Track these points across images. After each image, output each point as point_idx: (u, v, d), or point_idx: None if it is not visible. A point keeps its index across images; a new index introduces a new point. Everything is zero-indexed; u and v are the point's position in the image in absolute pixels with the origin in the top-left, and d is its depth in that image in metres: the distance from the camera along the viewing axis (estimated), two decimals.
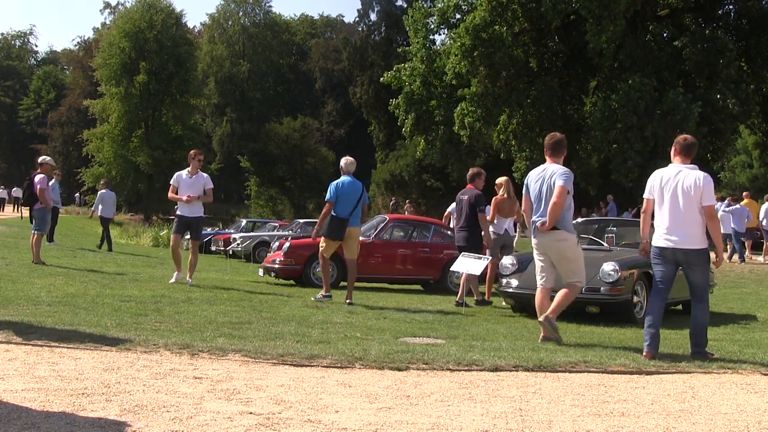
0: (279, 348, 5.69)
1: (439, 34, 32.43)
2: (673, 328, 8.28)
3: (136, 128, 47.40)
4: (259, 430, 3.61)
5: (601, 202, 27.20)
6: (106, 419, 3.66)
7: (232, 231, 26.37)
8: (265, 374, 4.94)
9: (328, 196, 9.72)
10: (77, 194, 55.02)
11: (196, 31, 71.66)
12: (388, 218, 14.53)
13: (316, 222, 12.27)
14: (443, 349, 6.09)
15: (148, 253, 21.39)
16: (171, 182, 10.89)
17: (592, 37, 23.91)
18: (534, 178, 7.01)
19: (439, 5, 30.14)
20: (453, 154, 31.37)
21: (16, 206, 41.50)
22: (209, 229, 28.44)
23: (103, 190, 20.04)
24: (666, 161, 6.92)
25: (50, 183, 14.14)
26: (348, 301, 9.60)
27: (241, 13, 71.15)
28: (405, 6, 45.80)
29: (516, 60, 26.95)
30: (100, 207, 19.53)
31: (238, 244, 22.08)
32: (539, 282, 7.01)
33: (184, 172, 10.87)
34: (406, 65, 30.53)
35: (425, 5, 33.63)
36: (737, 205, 19.12)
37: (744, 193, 21.88)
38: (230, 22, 70.99)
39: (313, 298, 9.82)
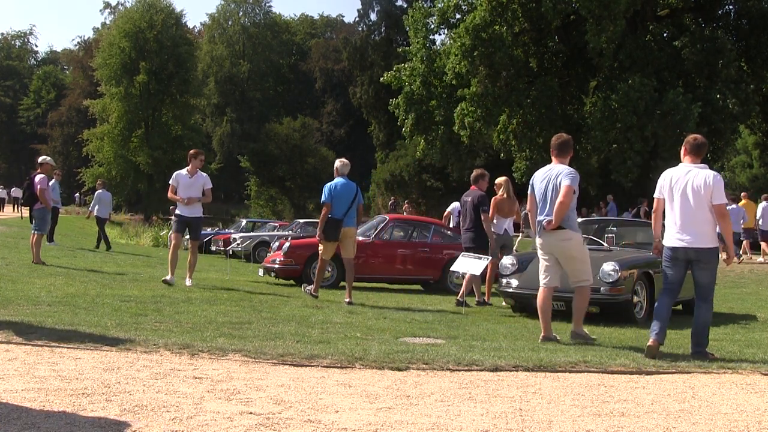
0: (279, 348, 5.69)
1: (439, 34, 32.48)
2: (673, 328, 8.26)
3: (136, 128, 47.40)
4: (259, 430, 3.61)
5: (601, 202, 27.19)
6: (106, 419, 3.66)
7: (232, 231, 26.37)
8: (265, 374, 4.94)
9: (323, 198, 9.88)
10: (77, 194, 55.02)
11: (196, 31, 71.71)
12: (388, 218, 14.54)
13: (316, 222, 12.31)
14: (443, 349, 6.09)
15: (148, 253, 21.39)
16: (170, 182, 10.85)
17: (592, 37, 23.91)
18: (539, 178, 7.03)
19: (439, 5, 30.12)
20: (453, 154, 31.37)
21: (15, 206, 41.50)
22: (209, 229, 28.45)
23: (100, 190, 20.08)
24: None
25: (50, 183, 14.14)
26: (348, 299, 9.63)
27: (241, 13, 71.15)
28: (405, 6, 45.79)
29: (516, 60, 26.94)
30: (96, 207, 19.57)
31: (238, 244, 22.08)
32: (542, 281, 7.01)
33: (183, 172, 10.83)
34: (406, 65, 30.52)
35: (425, 5, 33.62)
36: (734, 206, 19.14)
37: (742, 194, 21.89)
38: (230, 22, 70.99)
39: (303, 289, 9.92)
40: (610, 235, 10.56)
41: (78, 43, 76.03)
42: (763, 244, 19.43)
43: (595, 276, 8.76)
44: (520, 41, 27.95)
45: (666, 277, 6.50)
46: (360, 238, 13.22)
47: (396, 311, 9.11)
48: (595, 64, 26.16)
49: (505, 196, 10.89)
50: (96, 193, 20.30)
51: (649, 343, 6.17)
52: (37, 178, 13.10)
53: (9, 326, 5.96)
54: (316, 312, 8.41)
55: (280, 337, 6.27)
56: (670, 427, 4.01)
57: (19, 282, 9.41)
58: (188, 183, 10.72)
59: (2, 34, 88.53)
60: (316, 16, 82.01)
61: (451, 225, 15.53)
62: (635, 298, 9.18)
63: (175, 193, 10.68)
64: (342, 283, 11.69)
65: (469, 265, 9.62)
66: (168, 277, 10.34)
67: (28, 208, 14.20)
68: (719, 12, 28.22)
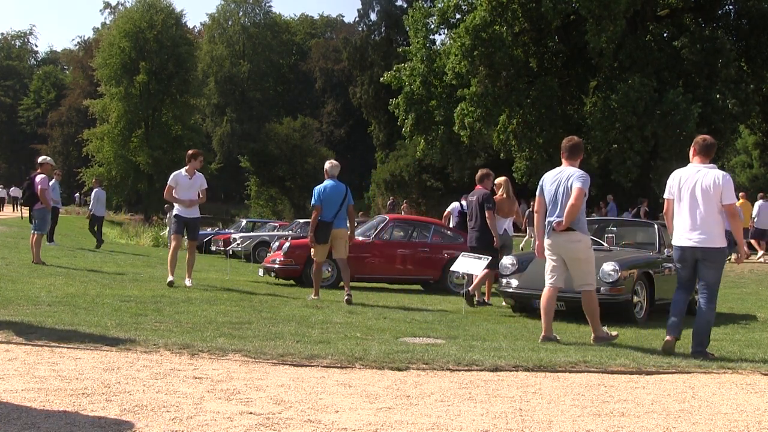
0: (279, 348, 5.69)
1: (439, 34, 32.47)
2: None
3: (136, 128, 47.41)
4: (259, 430, 3.61)
5: (601, 202, 27.20)
6: (106, 419, 3.66)
7: (232, 231, 26.35)
8: (265, 374, 4.94)
9: (313, 201, 9.98)
10: (77, 194, 55.03)
11: (196, 31, 71.74)
12: (388, 218, 14.54)
13: None
14: (443, 349, 6.09)
15: (148, 253, 21.39)
16: (169, 182, 10.69)
17: (592, 37, 23.90)
18: (550, 180, 7.06)
19: (439, 5, 30.12)
20: (453, 154, 31.38)
21: (15, 206, 41.49)
22: (209, 229, 28.44)
23: (97, 189, 20.10)
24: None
25: (51, 183, 14.14)
26: (347, 296, 9.68)
27: (241, 13, 71.19)
28: (405, 6, 45.82)
29: (516, 60, 26.94)
30: (96, 207, 19.60)
31: (238, 244, 22.07)
32: (549, 281, 7.03)
33: (182, 172, 10.72)
34: (406, 65, 30.52)
35: (425, 5, 33.62)
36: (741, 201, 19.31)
37: (740, 194, 21.92)
38: (230, 22, 71.03)
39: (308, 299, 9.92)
40: (610, 235, 10.56)
41: (78, 43, 76.20)
42: (753, 241, 19.50)
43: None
44: (520, 41, 27.95)
45: (678, 275, 6.64)
46: (360, 238, 13.24)
47: (396, 311, 9.11)
48: (595, 64, 26.16)
49: (504, 196, 10.91)
50: (94, 192, 20.29)
51: (666, 338, 6.31)
52: (38, 178, 13.10)
53: (9, 326, 5.96)
54: (316, 312, 8.41)
55: (280, 337, 6.27)
56: (670, 427, 4.01)
57: (19, 282, 9.41)
58: (188, 184, 10.67)
59: (2, 34, 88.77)
60: (316, 16, 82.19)
61: (451, 225, 15.52)
62: (635, 298, 9.18)
63: (174, 194, 10.63)
64: (342, 283, 11.69)
65: (469, 265, 9.63)
66: (170, 279, 10.30)
67: (28, 208, 14.20)
68: (719, 12, 28.21)
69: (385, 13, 51.83)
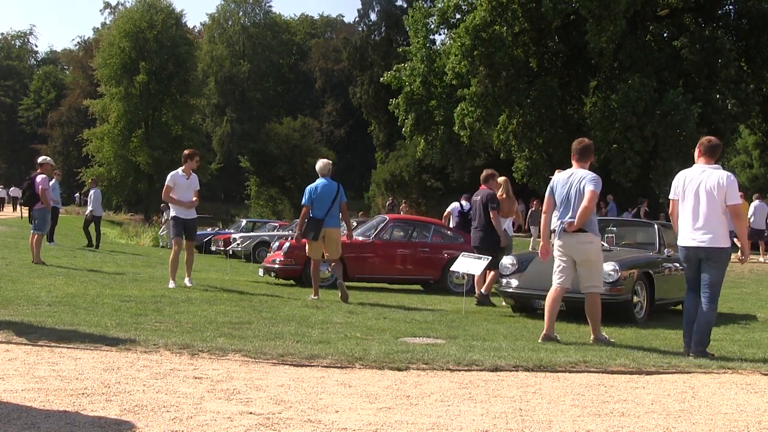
0: (279, 348, 5.69)
1: (439, 34, 32.47)
2: (673, 328, 8.29)
3: (136, 128, 47.39)
4: (259, 430, 3.61)
5: (601, 202, 27.18)
6: (106, 419, 3.66)
7: (232, 231, 26.34)
8: (265, 374, 4.94)
9: (303, 200, 10.06)
10: (77, 194, 55.02)
11: (196, 31, 71.71)
12: (388, 218, 14.54)
13: None
14: (443, 349, 6.09)
15: (148, 253, 21.39)
16: (167, 183, 10.58)
17: (592, 37, 23.90)
18: (561, 182, 7.06)
19: (439, 5, 30.13)
20: (453, 154, 31.37)
21: (14, 206, 41.48)
22: (209, 229, 28.42)
23: (94, 189, 20.11)
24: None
25: (51, 183, 14.15)
26: (342, 295, 9.76)
27: (241, 13, 71.19)
28: (405, 6, 45.81)
29: (516, 60, 26.95)
30: (95, 207, 19.60)
31: (238, 244, 22.07)
32: (556, 281, 7.03)
33: (180, 172, 10.62)
34: (406, 65, 30.53)
35: (425, 5, 33.63)
36: (756, 202, 19.47)
37: (740, 194, 21.94)
38: (230, 22, 71.03)
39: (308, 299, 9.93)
40: (610, 235, 10.56)
41: (78, 43, 76.21)
42: (761, 244, 19.55)
43: None
44: (520, 41, 27.95)
45: (686, 277, 6.67)
46: (360, 238, 13.26)
47: (396, 311, 9.11)
48: (595, 64, 26.16)
49: (504, 196, 10.92)
50: (92, 191, 20.27)
51: (683, 351, 6.46)
52: (38, 178, 13.10)
53: (9, 326, 5.96)
54: (316, 312, 8.41)
55: (280, 337, 6.27)
56: (670, 427, 4.01)
57: (19, 282, 9.42)
58: (186, 184, 10.61)
59: (2, 34, 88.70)
60: (316, 16, 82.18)
61: (451, 225, 15.53)
62: (635, 298, 9.18)
63: (172, 195, 10.57)
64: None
65: (469, 265, 9.63)
66: (171, 285, 10.23)
67: (28, 208, 14.19)
68: (719, 12, 28.22)
69: (385, 13, 51.82)
